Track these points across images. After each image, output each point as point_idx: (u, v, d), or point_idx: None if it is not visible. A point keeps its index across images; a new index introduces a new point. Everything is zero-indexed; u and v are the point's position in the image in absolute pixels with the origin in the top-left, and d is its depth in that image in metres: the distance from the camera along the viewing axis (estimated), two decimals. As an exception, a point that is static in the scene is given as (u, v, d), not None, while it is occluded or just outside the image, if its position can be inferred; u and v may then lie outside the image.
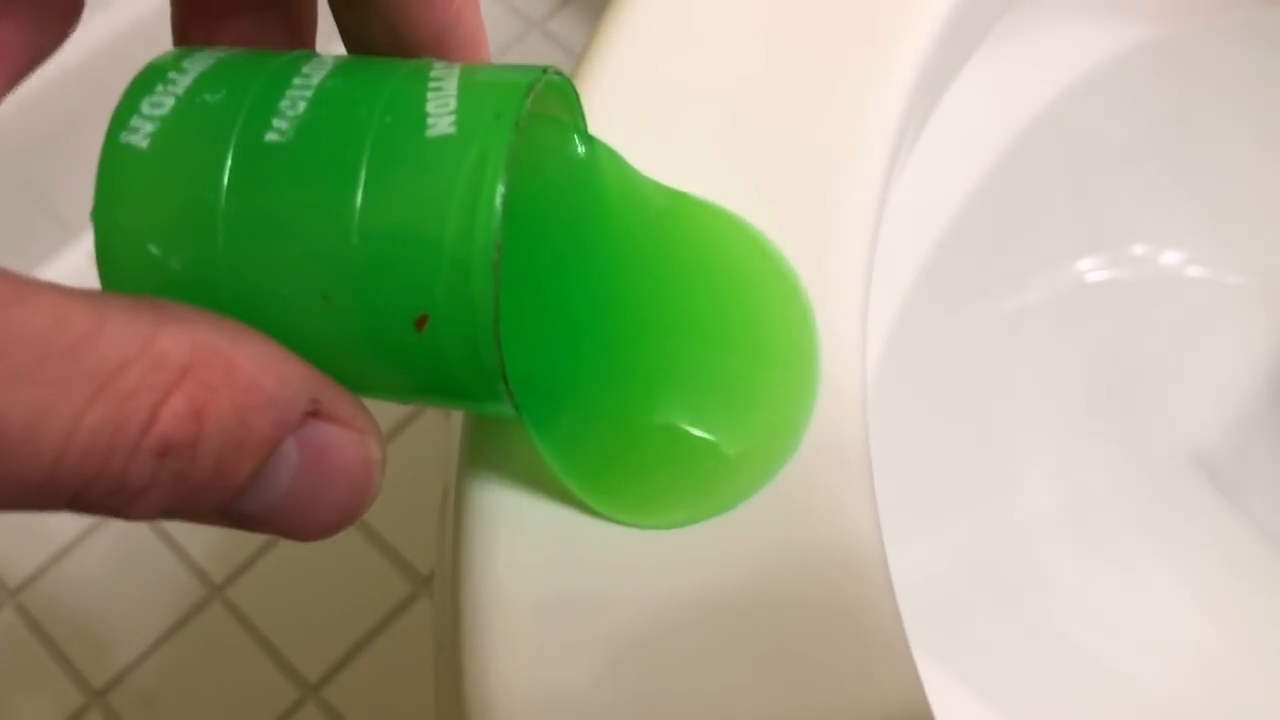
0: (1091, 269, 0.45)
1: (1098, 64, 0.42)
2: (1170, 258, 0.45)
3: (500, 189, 0.16)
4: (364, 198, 0.17)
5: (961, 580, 0.38)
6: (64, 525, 0.69)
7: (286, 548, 0.69)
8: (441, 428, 0.71)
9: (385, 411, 0.71)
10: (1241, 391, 0.43)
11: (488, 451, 0.22)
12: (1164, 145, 0.44)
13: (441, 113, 0.17)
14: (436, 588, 0.28)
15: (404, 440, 0.71)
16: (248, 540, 0.69)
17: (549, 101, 0.20)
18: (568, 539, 0.21)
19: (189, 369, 0.15)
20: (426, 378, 0.18)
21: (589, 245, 0.21)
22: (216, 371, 0.16)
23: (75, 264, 0.75)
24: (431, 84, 0.18)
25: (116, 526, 0.69)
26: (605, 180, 0.21)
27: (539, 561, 0.21)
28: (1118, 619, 0.39)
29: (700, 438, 0.22)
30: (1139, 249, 0.45)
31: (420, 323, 0.17)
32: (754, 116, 0.25)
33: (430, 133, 0.17)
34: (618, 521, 0.22)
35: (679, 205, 0.23)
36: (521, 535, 0.21)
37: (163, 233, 0.17)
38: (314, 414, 0.17)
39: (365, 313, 0.17)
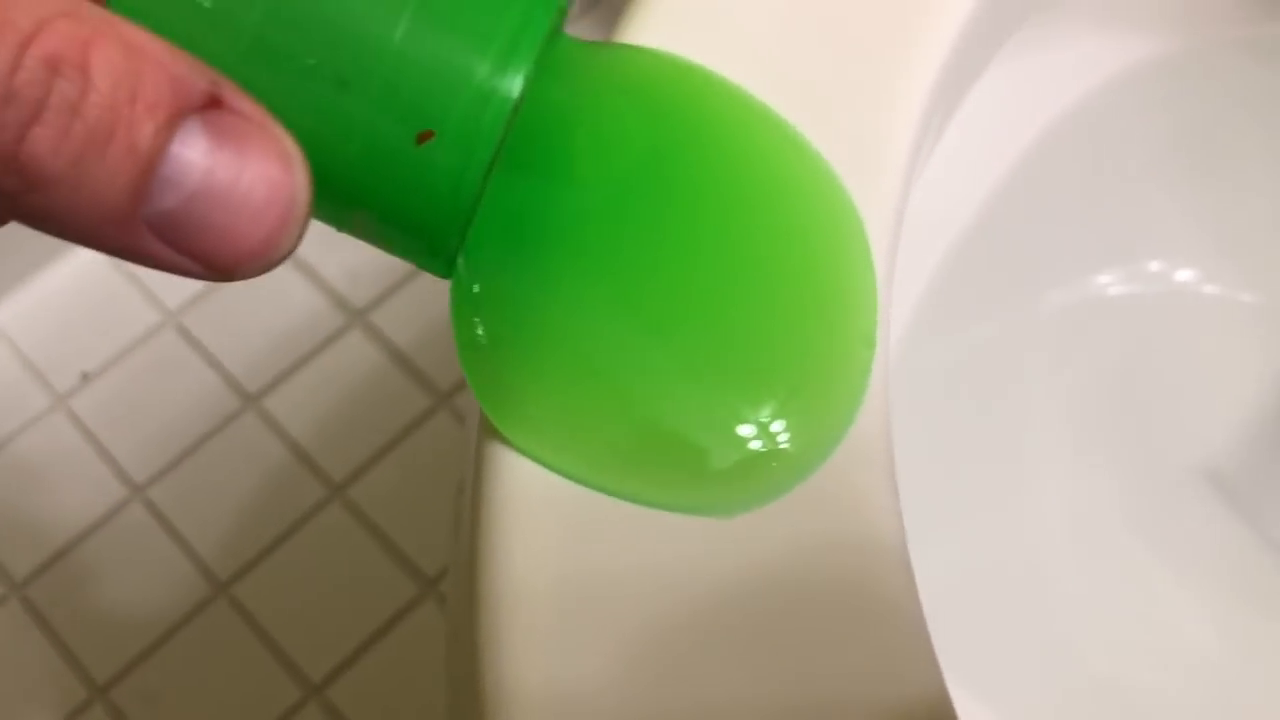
0: (1106, 283, 0.45)
1: (1114, 76, 0.42)
2: (1185, 273, 0.45)
3: (535, 51, 0.18)
4: (418, 2, 0.17)
5: (967, 586, 0.38)
6: (71, 518, 0.69)
7: (293, 546, 0.68)
8: (448, 430, 0.71)
9: (392, 414, 0.71)
10: (1254, 407, 0.43)
11: (507, 443, 0.22)
12: (1181, 160, 0.44)
13: None
14: (452, 584, 0.28)
15: (410, 442, 0.71)
16: (255, 538, 0.69)
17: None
18: (588, 530, 0.21)
19: (69, 14, 0.14)
20: (395, 194, 0.18)
21: (602, 160, 0.21)
22: (101, 22, 0.14)
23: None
24: None
25: (123, 521, 0.69)
26: (620, 87, 0.21)
27: (559, 552, 0.21)
28: (1122, 627, 0.39)
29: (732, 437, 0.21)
30: (1154, 264, 0.45)
31: (424, 137, 0.18)
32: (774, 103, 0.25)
33: None
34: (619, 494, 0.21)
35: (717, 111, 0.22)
36: (541, 527, 0.21)
37: None
38: (215, 105, 0.15)
39: (377, 110, 0.17)
